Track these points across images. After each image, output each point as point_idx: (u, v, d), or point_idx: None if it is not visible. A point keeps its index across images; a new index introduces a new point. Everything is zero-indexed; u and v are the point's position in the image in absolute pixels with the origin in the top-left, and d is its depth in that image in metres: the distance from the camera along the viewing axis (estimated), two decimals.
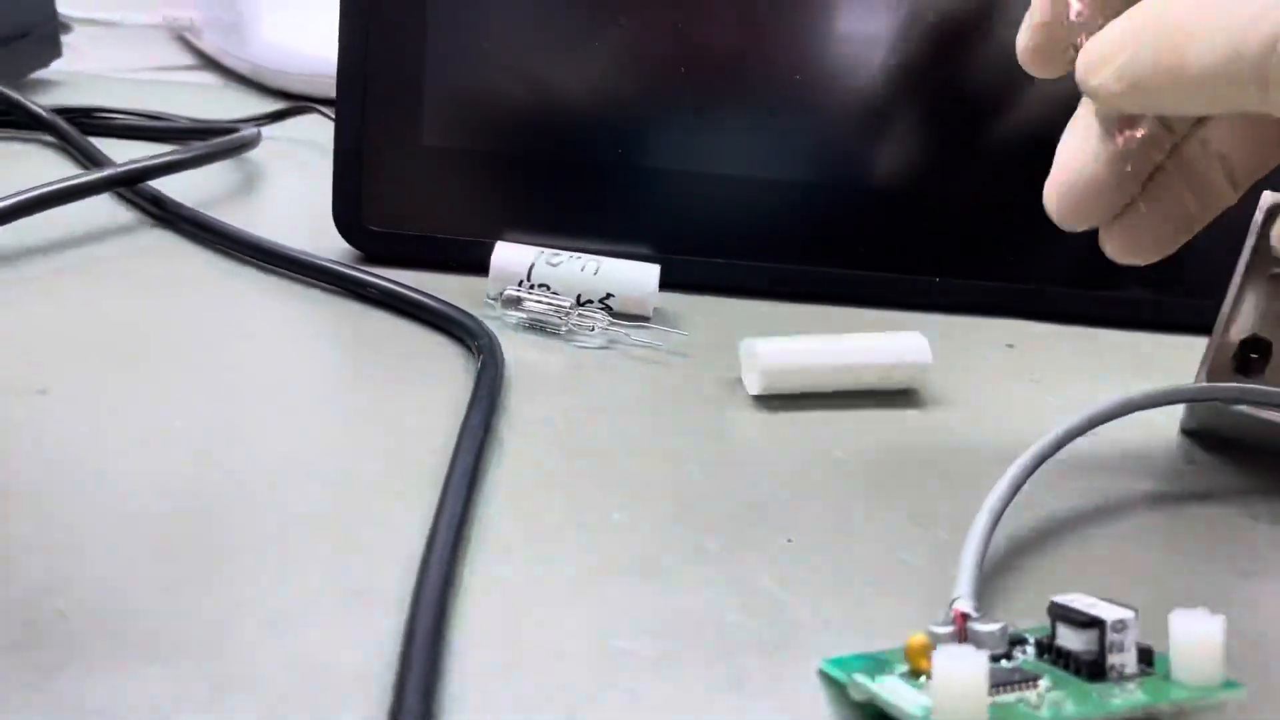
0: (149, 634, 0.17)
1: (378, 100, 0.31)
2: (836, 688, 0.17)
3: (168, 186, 0.34)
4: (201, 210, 0.33)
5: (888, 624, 0.19)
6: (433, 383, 0.26)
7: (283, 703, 0.16)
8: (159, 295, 0.29)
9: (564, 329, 0.29)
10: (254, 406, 0.24)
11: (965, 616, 0.18)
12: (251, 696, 0.16)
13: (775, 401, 0.26)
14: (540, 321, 0.29)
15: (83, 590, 0.18)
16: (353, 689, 0.16)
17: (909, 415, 0.27)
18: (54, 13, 0.47)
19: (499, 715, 0.16)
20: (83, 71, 0.50)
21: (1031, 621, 0.18)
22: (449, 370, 0.26)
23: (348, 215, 0.32)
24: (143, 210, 0.34)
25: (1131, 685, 0.16)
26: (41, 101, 0.40)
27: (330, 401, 0.25)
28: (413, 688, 0.15)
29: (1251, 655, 0.18)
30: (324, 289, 0.30)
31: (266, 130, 0.41)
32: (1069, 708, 0.16)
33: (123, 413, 0.23)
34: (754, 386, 0.26)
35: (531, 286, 0.29)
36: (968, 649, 0.15)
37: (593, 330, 0.28)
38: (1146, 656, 0.17)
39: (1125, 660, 0.16)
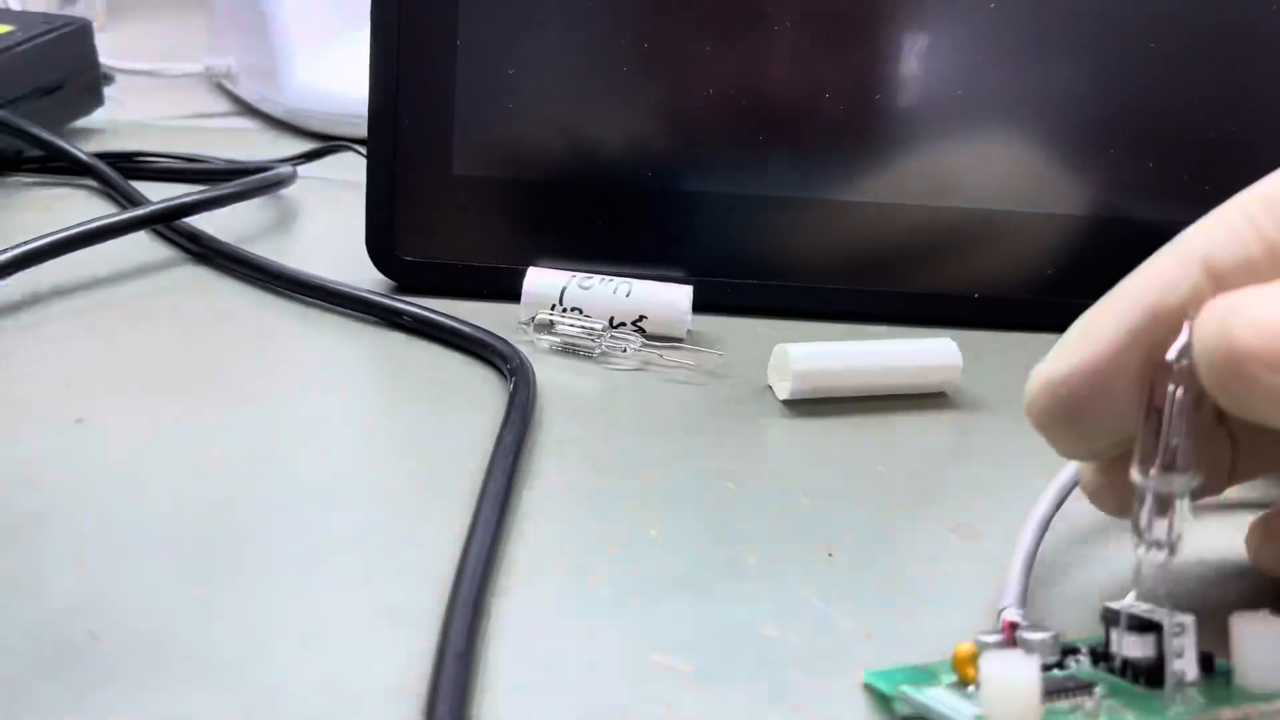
0: (181, 654, 0.17)
1: (409, 131, 0.32)
2: (881, 701, 0.16)
3: (205, 224, 0.35)
4: (238, 245, 0.33)
5: (933, 637, 0.18)
6: (466, 407, 0.25)
7: (319, 716, 0.15)
8: (196, 327, 0.29)
9: (597, 352, 0.28)
10: (289, 433, 0.24)
11: (1014, 626, 0.17)
12: (284, 714, 0.15)
13: (810, 414, 0.26)
14: (573, 345, 0.28)
15: (115, 612, 0.17)
16: (385, 707, 0.16)
17: (945, 426, 0.26)
18: (95, 63, 0.48)
19: None
20: (124, 120, 0.52)
21: (1083, 634, 0.18)
22: (483, 394, 0.26)
23: (381, 246, 0.32)
24: (180, 247, 0.35)
25: (1192, 691, 0.15)
26: (84, 147, 0.41)
27: (364, 426, 0.25)
28: (444, 703, 0.15)
29: None
30: (358, 318, 0.30)
31: (302, 169, 0.41)
32: (1128, 716, 0.15)
33: (158, 440, 0.23)
34: (784, 391, 0.26)
35: (564, 310, 0.29)
36: (1016, 653, 0.15)
37: (625, 352, 0.28)
38: (1207, 662, 0.16)
39: (1185, 666, 0.16)
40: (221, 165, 0.43)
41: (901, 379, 0.27)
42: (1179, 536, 0.16)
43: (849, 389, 0.26)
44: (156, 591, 0.18)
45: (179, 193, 0.35)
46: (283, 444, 0.23)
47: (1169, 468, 0.16)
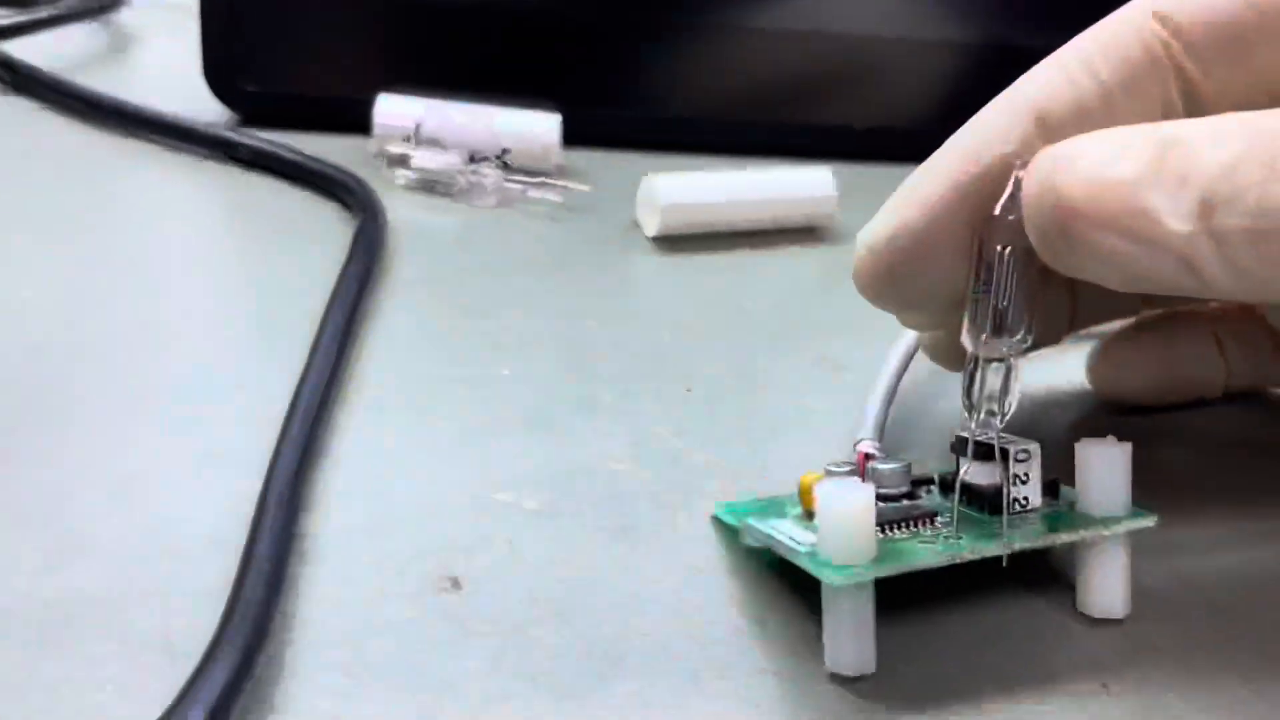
0: None
1: None
2: (729, 534, 0.16)
3: (26, 53, 0.31)
4: (61, 75, 0.30)
5: (789, 470, 0.17)
6: (309, 246, 0.24)
7: (127, 566, 0.14)
8: (11, 164, 0.27)
9: (456, 188, 0.27)
10: (114, 275, 0.22)
11: (868, 457, 0.17)
12: (93, 560, 0.14)
13: (679, 250, 0.25)
14: (431, 181, 0.27)
15: None
16: (204, 551, 0.15)
17: (817, 261, 0.25)
18: None
19: (363, 572, 0.15)
20: None
21: (945, 466, 0.17)
22: (328, 232, 0.24)
23: (221, 75, 0.29)
24: None
25: (1034, 517, 0.15)
26: None
27: (197, 267, 0.24)
28: (264, 545, 0.14)
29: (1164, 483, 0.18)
30: (194, 153, 0.28)
31: None
32: (965, 541, 0.15)
33: None
34: (652, 228, 0.25)
35: (420, 143, 0.27)
36: (852, 481, 0.14)
37: (487, 188, 0.27)
38: (1053, 489, 0.16)
39: (1029, 493, 0.16)
40: None
41: (774, 212, 0.26)
42: (1011, 403, 0.15)
43: (720, 224, 0.26)
44: None
45: None
46: (105, 286, 0.22)
47: (999, 330, 0.15)
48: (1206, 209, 0.13)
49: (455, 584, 0.14)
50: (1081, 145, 0.14)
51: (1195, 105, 0.15)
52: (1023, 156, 0.14)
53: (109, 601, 0.14)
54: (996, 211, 0.14)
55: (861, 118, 0.31)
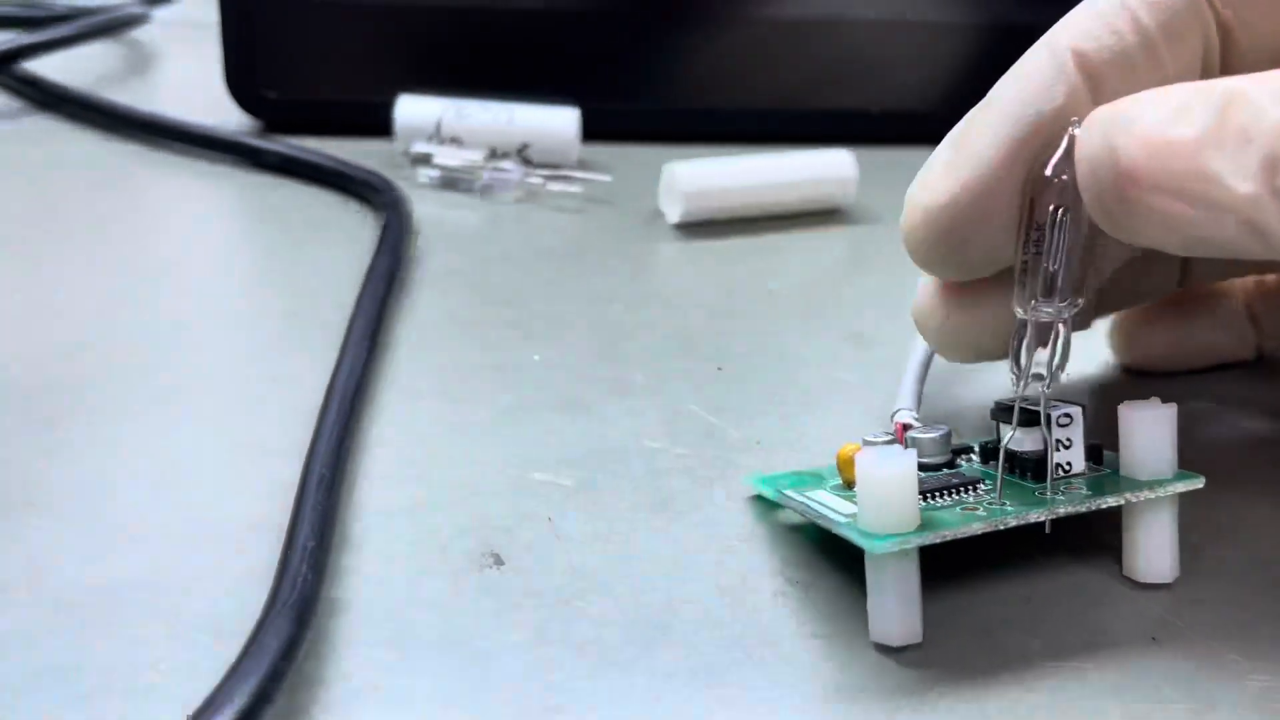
0: (25, 494, 0.15)
1: None
2: (766, 506, 0.16)
3: (49, 71, 0.32)
4: (87, 91, 0.31)
5: (825, 444, 0.18)
6: (337, 245, 0.24)
7: (172, 552, 0.14)
8: (44, 177, 0.27)
9: (479, 184, 0.27)
10: (146, 278, 0.22)
11: (906, 427, 0.16)
12: (138, 548, 0.14)
13: (703, 236, 0.25)
14: (454, 178, 0.27)
15: None
16: (247, 536, 0.15)
17: (840, 241, 0.25)
18: None
19: (406, 550, 0.15)
20: None
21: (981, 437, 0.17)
22: (355, 231, 0.25)
23: (242, 83, 0.30)
24: (21, 95, 0.32)
25: (1078, 482, 0.15)
26: None
27: (228, 269, 0.24)
28: (306, 523, 0.14)
29: (1205, 446, 0.18)
30: (222, 162, 0.28)
31: (158, 12, 0.38)
32: (1008, 508, 0.15)
33: (3, 289, 0.21)
34: (675, 215, 0.25)
35: (441, 141, 0.27)
36: (893, 449, 0.14)
37: (510, 183, 0.27)
38: (1095, 453, 0.16)
39: (1072, 458, 0.15)
40: (64, 10, 0.39)
41: (796, 195, 0.26)
42: (1059, 368, 0.15)
43: (742, 209, 0.26)
44: (2, 438, 0.17)
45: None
46: (139, 287, 0.22)
47: (1049, 294, 0.14)
48: (1271, 168, 0.12)
49: (498, 560, 0.14)
50: (1138, 105, 0.13)
51: (1230, 54, 0.14)
52: (1075, 115, 0.14)
53: (156, 586, 0.14)
54: (1048, 172, 0.14)
55: (878, 102, 0.31)
